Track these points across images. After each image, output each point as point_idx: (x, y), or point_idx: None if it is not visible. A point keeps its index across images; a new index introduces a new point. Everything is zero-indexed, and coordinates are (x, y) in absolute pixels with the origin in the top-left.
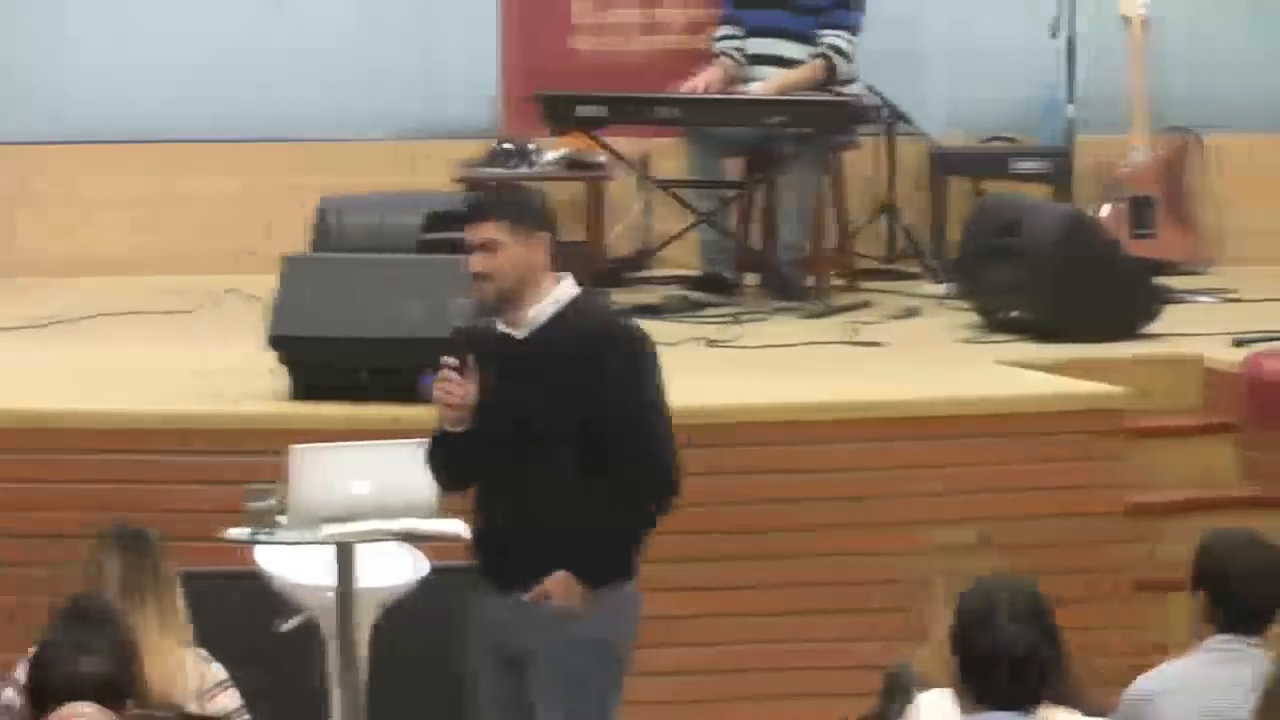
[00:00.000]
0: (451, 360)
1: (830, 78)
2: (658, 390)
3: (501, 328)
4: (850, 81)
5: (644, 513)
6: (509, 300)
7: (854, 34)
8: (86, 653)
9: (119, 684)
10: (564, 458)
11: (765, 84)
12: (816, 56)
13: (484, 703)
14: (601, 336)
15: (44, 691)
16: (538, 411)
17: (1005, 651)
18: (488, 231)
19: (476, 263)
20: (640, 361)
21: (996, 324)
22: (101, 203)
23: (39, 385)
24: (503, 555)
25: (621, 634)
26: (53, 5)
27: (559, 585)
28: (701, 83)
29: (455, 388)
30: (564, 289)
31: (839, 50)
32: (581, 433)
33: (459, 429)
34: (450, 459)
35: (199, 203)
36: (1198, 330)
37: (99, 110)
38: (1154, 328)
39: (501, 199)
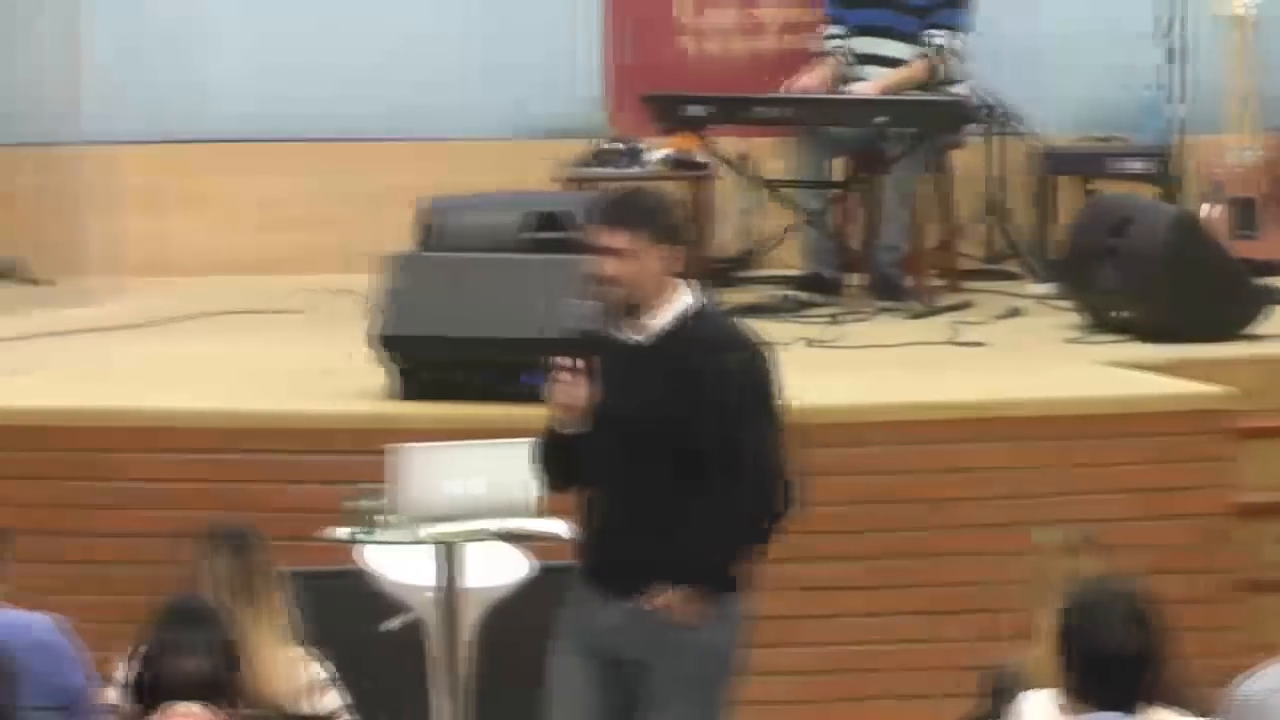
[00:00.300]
0: (568, 361)
1: (936, 77)
2: (776, 401)
3: (620, 333)
4: (956, 81)
5: (761, 522)
6: (632, 307)
7: (963, 33)
8: (190, 652)
9: (223, 683)
10: (679, 465)
11: (871, 84)
12: (922, 56)
13: (573, 705)
14: (721, 345)
15: (148, 691)
16: (654, 418)
17: (1111, 652)
18: (622, 240)
19: (605, 267)
20: (759, 371)
21: (1102, 324)
22: (209, 202)
23: (147, 384)
24: (615, 561)
25: (734, 640)
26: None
27: (676, 601)
28: (807, 82)
29: (571, 389)
30: (685, 297)
31: (945, 50)
32: (698, 441)
33: (572, 430)
34: (562, 460)
35: (305, 202)
36: None
37: (203, 109)
38: (1260, 328)
39: (639, 207)
